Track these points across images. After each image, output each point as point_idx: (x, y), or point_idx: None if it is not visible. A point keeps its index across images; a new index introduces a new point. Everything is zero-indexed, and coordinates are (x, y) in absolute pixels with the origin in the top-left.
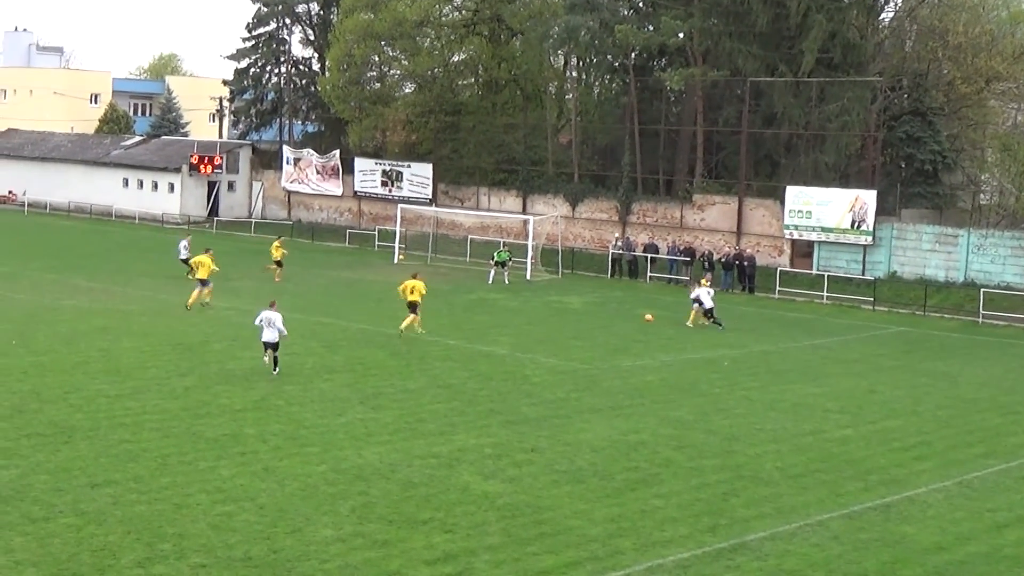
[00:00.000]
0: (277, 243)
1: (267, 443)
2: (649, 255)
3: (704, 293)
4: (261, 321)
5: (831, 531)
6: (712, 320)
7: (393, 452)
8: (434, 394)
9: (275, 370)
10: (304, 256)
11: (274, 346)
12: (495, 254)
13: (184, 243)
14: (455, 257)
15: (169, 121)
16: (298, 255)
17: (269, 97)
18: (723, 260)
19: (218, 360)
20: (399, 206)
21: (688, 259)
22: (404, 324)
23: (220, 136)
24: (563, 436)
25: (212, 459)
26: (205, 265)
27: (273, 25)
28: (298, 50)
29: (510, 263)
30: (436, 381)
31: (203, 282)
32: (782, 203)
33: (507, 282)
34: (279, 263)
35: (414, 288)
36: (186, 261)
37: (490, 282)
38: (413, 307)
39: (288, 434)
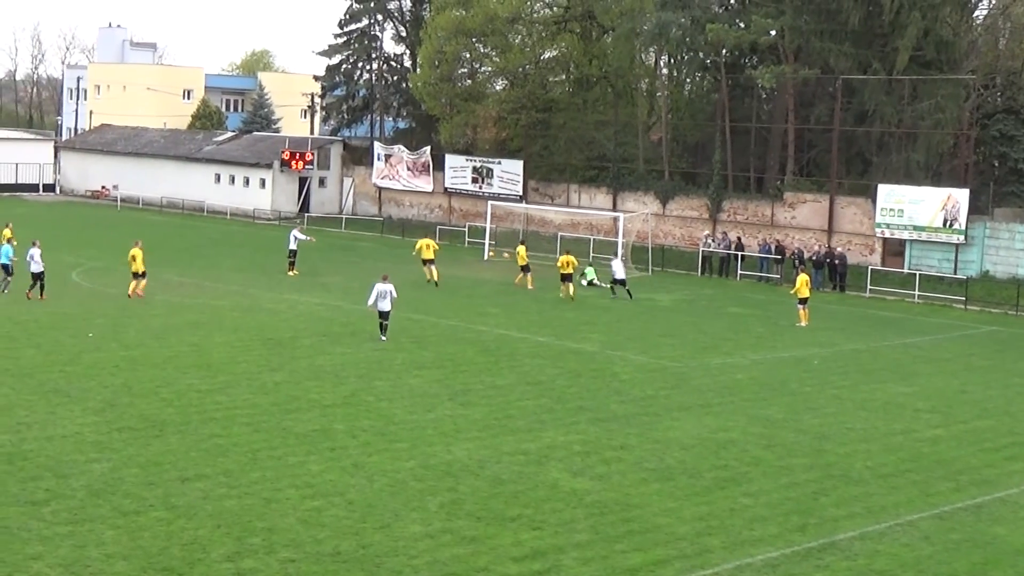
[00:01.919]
0: (429, 241)
1: (356, 439)
2: (739, 252)
3: (618, 264)
4: (377, 294)
5: (921, 531)
6: (615, 287)
7: (482, 448)
8: (523, 391)
9: (383, 337)
10: (394, 252)
11: (386, 315)
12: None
13: (295, 233)
14: (544, 254)
15: (261, 117)
16: (387, 251)
17: (360, 94)
18: (814, 258)
19: (308, 355)
20: (489, 203)
21: (779, 257)
22: (430, 278)
23: (311, 132)
24: (652, 434)
25: (302, 454)
26: (138, 259)
27: (365, 21)
28: (390, 46)
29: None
30: (525, 378)
31: (138, 275)
32: (874, 201)
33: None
34: (430, 261)
35: (428, 246)
36: (293, 252)
37: (585, 283)
38: (428, 262)
39: (377, 430)
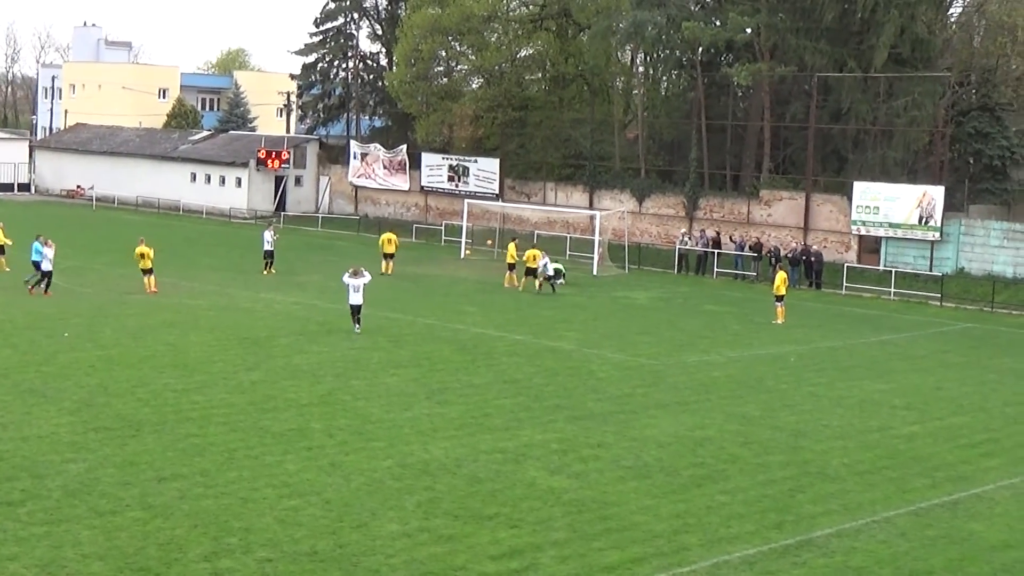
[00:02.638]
0: (391, 236)
1: (333, 438)
2: (716, 250)
3: (549, 261)
4: (350, 287)
5: (898, 528)
6: (549, 283)
7: (459, 447)
8: (500, 389)
9: (357, 328)
10: (371, 251)
11: (358, 308)
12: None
13: (266, 234)
14: (522, 252)
15: (237, 116)
16: (364, 250)
17: (336, 92)
18: (790, 256)
19: (284, 355)
20: (466, 201)
21: (755, 255)
22: (384, 270)
23: (287, 131)
24: (629, 432)
25: (279, 453)
26: (147, 256)
27: (341, 20)
28: (366, 45)
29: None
30: (502, 376)
31: (147, 271)
32: (849, 199)
33: (538, 289)
34: (391, 256)
35: (390, 240)
36: (270, 254)
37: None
38: (388, 256)
39: (354, 429)
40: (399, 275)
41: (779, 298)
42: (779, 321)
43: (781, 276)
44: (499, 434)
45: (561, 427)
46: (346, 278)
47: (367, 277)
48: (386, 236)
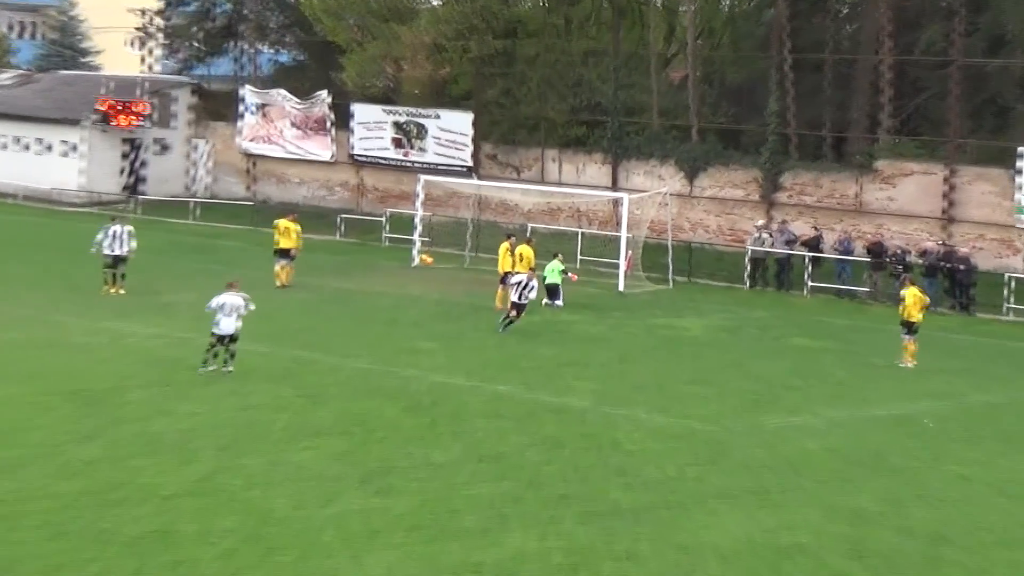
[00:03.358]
0: (288, 224)
1: (214, 547)
2: (809, 253)
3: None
4: (218, 307)
5: None
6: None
7: (409, 561)
8: (474, 470)
9: (228, 367)
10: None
11: (231, 337)
12: (547, 273)
13: (111, 230)
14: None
15: (67, 48)
16: (263, 253)
17: (221, 11)
18: (925, 262)
19: (138, 416)
20: (421, 178)
21: (871, 260)
22: (279, 281)
23: (145, 70)
24: (675, 536)
25: (128, 572)
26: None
27: None
28: None
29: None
30: (477, 450)
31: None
32: (1016, 173)
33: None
34: (286, 253)
35: (286, 231)
36: (116, 259)
37: (559, 305)
38: (285, 254)
39: (247, 533)
40: (314, 291)
41: (909, 327)
42: (908, 363)
43: (912, 294)
44: (473, 540)
45: (569, 529)
46: (217, 300)
47: (245, 302)
48: (282, 224)
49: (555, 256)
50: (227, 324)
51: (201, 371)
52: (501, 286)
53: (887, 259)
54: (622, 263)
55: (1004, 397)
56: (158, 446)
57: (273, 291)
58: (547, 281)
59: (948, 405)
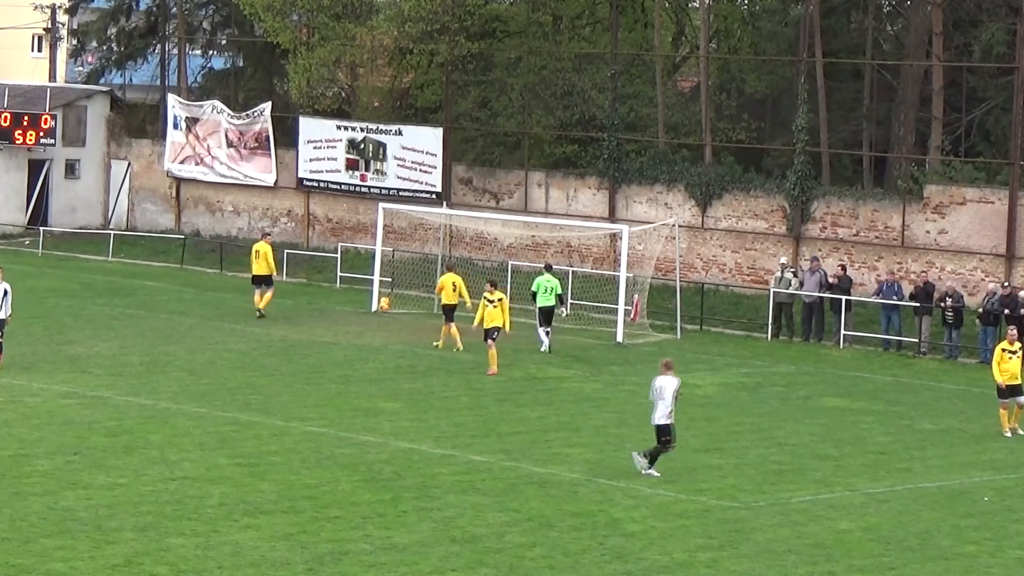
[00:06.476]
0: (264, 247)
1: None
2: (843, 296)
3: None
4: None
5: None
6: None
7: None
8: (444, 555)
9: None
10: (206, 299)
11: None
12: (536, 288)
13: None
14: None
15: None
16: (194, 297)
17: (142, 7)
18: (983, 307)
19: (45, 490)
20: (380, 206)
21: (917, 304)
22: (258, 303)
23: (51, 78)
24: None
25: None
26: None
27: None
28: None
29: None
30: (447, 530)
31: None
32: None
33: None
34: (263, 280)
35: (263, 253)
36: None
37: (544, 348)
38: (260, 281)
39: None
40: (254, 341)
41: (1013, 391)
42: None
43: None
44: None
45: None
46: None
47: None
48: (255, 247)
49: (546, 269)
50: None
51: None
52: (488, 341)
53: (938, 303)
54: (620, 310)
55: None
56: (69, 525)
57: (204, 343)
58: (539, 304)
59: (1009, 477)
